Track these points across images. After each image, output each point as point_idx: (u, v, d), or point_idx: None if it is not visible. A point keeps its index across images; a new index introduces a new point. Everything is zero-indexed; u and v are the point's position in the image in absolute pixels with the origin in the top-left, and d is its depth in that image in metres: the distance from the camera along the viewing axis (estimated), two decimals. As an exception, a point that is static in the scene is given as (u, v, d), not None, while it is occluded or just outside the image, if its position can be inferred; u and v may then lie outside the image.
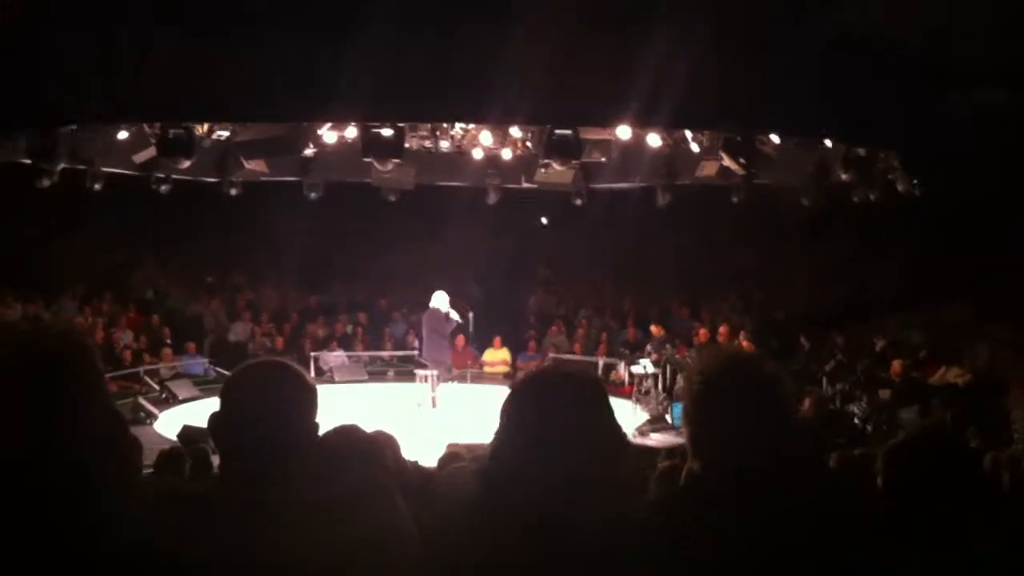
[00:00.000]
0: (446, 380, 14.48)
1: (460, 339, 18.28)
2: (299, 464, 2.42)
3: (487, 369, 17.93)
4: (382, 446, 3.41)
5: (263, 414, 2.20)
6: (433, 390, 14.14)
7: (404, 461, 4.36)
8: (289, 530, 2.09)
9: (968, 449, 3.49)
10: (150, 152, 11.86)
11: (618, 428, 2.24)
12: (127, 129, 12.14)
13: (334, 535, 2.14)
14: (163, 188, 13.73)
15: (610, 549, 2.06)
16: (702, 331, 16.51)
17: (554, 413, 2.15)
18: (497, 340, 17.98)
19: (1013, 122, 10.43)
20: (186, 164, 11.46)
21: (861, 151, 11.70)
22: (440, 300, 14.60)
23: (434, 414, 13.77)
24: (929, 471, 2.73)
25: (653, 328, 15.97)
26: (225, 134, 12.54)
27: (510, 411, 2.21)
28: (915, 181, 11.64)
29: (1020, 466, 2.85)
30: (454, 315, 14.63)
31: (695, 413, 2.33)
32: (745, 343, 15.20)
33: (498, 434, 2.21)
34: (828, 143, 11.79)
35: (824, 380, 13.92)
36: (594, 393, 2.22)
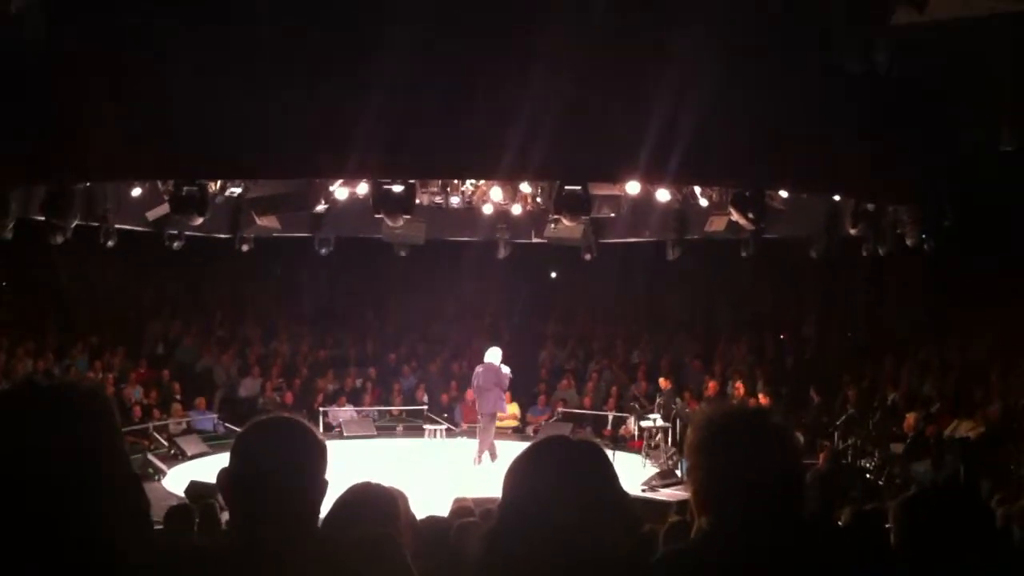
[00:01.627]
0: (489, 436, 14.55)
1: (470, 393, 18.24)
2: (308, 520, 2.43)
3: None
4: (396, 502, 3.41)
5: (273, 470, 2.21)
6: (485, 444, 14.39)
7: (414, 516, 4.35)
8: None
9: (981, 503, 3.47)
10: (163, 209, 11.97)
11: (621, 491, 2.24)
12: (140, 186, 12.27)
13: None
14: (176, 245, 13.84)
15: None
16: (712, 384, 16.46)
17: (557, 480, 2.16)
18: (507, 394, 17.95)
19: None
20: (199, 221, 11.55)
21: (870, 206, 11.74)
22: (494, 355, 14.92)
23: (443, 469, 13.71)
24: (942, 525, 2.71)
25: (662, 381, 15.93)
26: (237, 190, 12.65)
27: (514, 478, 2.22)
28: (924, 236, 11.65)
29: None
30: (506, 369, 14.92)
31: (699, 467, 2.33)
32: (763, 397, 15.14)
33: (503, 500, 2.21)
34: (837, 197, 11.85)
35: (836, 434, 13.82)
36: (596, 459, 2.23)
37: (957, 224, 11.52)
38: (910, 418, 13.09)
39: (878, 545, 3.73)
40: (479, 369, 15.00)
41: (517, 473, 2.21)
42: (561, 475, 2.17)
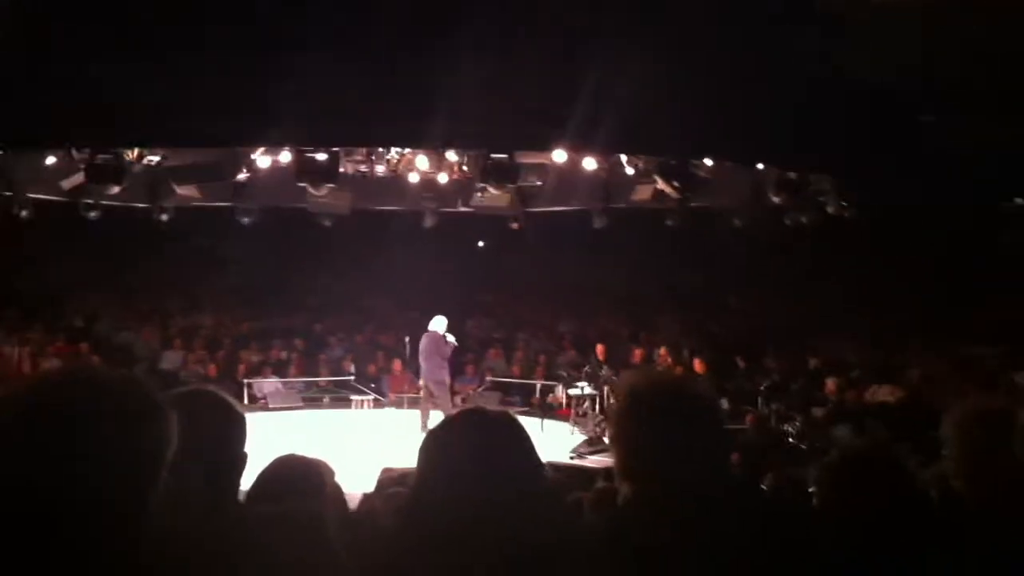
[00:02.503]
0: (445, 403, 14.41)
1: (397, 364, 18.17)
2: (227, 495, 2.37)
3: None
4: (321, 474, 3.35)
5: (188, 444, 2.13)
6: (426, 415, 14.23)
7: (340, 489, 4.29)
8: (212, 554, 2.03)
9: (901, 466, 3.53)
10: (79, 178, 11.63)
11: (537, 463, 2.24)
12: (55, 154, 11.89)
13: (258, 559, 2.09)
14: (92, 215, 13.47)
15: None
16: (638, 352, 16.59)
17: (471, 452, 2.15)
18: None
19: (950, 141, 10.67)
20: (116, 190, 11.25)
21: (793, 174, 11.88)
22: (439, 324, 14.74)
23: (371, 439, 13.63)
24: (863, 488, 2.74)
25: (598, 348, 16.04)
26: (156, 159, 12.33)
27: (428, 452, 2.20)
28: (844, 203, 11.85)
29: (947, 483, 2.88)
30: (451, 338, 14.80)
31: (622, 435, 2.32)
32: (698, 364, 15.30)
33: (418, 473, 2.20)
34: (761, 166, 11.98)
35: (760, 400, 14.05)
36: (511, 431, 2.22)
37: (877, 196, 11.73)
38: (831, 383, 13.35)
39: (801, 509, 3.78)
40: (424, 337, 14.86)
41: (431, 446, 2.19)
42: (475, 447, 2.16)
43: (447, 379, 14.73)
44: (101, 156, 10.31)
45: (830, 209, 12.00)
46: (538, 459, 2.22)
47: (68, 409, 1.69)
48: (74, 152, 11.44)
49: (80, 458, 1.64)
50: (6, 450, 1.65)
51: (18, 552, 1.58)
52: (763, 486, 5.86)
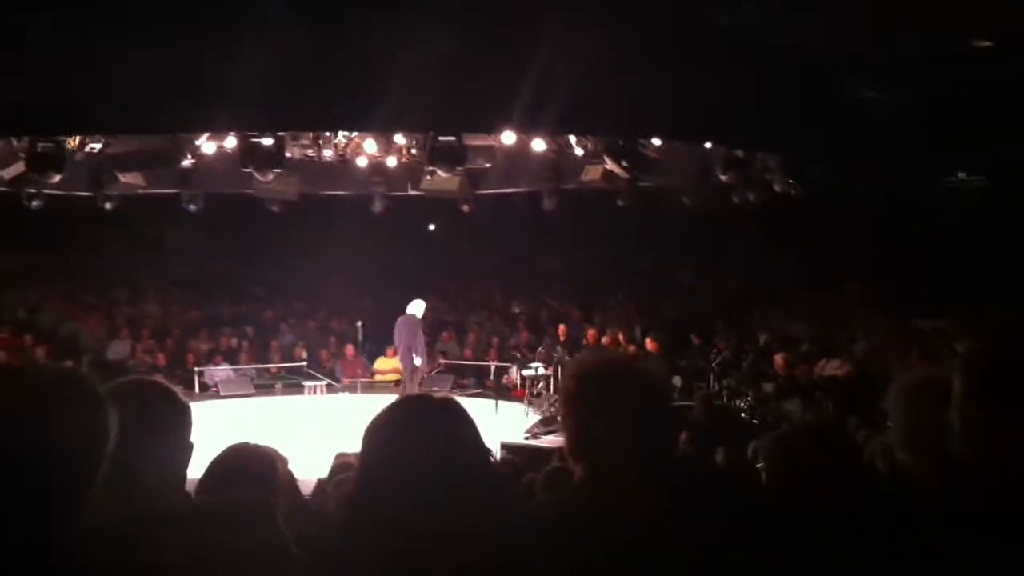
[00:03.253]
0: (410, 388, 14.34)
1: (350, 349, 18.10)
2: (173, 486, 2.34)
3: (379, 378, 17.77)
4: (273, 463, 3.33)
5: (129, 436, 2.10)
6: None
7: (292, 476, 4.27)
8: (158, 545, 2.01)
9: (847, 438, 3.58)
10: (19, 167, 11.40)
11: (482, 448, 2.23)
12: (-8, 143, 11.66)
13: (205, 549, 2.07)
14: (35, 204, 13.23)
15: (491, 561, 2.04)
16: (591, 332, 16.67)
17: (413, 439, 2.14)
18: (390, 350, 17.83)
19: (892, 117, 10.78)
20: (57, 179, 11.05)
21: (739, 153, 11.98)
22: (415, 307, 14.70)
23: (325, 425, 13.57)
24: (810, 461, 2.77)
25: (561, 328, 16.11)
26: (98, 147, 12.12)
27: (372, 439, 2.19)
28: (791, 181, 11.97)
29: (892, 453, 2.93)
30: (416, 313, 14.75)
31: (571, 415, 2.33)
32: (650, 343, 15.39)
33: (361, 460, 2.19)
34: (708, 145, 12.05)
35: (711, 376, 14.19)
36: (454, 416, 2.22)
37: (825, 174, 11.87)
38: (779, 359, 13.51)
39: (751, 483, 3.82)
40: (398, 321, 14.83)
41: (374, 433, 2.18)
42: (418, 434, 2.15)
43: (416, 364, 14.66)
44: (41, 144, 10.12)
45: (776, 187, 12.12)
46: (483, 443, 2.22)
47: (8, 397, 1.69)
48: (13, 141, 11.22)
49: (17, 452, 1.62)
50: None
51: None
52: (714, 462, 5.93)
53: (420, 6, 8.71)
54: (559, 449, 10.65)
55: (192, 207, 14.28)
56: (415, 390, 14.04)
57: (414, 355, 14.48)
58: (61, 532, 1.68)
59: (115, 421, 1.80)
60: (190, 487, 2.66)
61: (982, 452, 2.07)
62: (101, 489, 1.81)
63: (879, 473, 3.03)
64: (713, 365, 14.45)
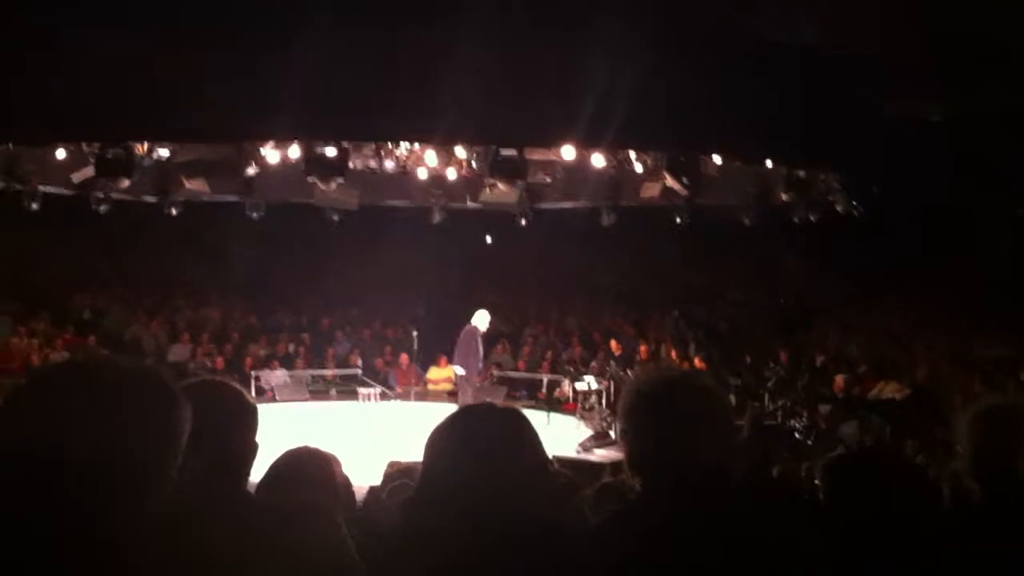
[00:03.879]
0: (463, 398, 14.46)
1: (404, 357, 18.20)
2: (237, 483, 2.39)
3: (431, 387, 17.84)
4: (332, 466, 3.38)
5: (201, 432, 2.16)
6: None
7: (348, 480, 4.32)
8: (221, 540, 2.06)
9: (907, 462, 3.53)
10: (88, 171, 11.66)
11: (544, 459, 2.25)
12: (65, 148, 11.93)
13: (268, 549, 2.12)
14: (102, 208, 13.51)
15: (550, 571, 2.06)
16: (643, 348, 16.61)
17: (477, 448, 2.16)
18: (442, 359, 17.90)
19: (952, 136, 10.66)
20: (125, 184, 11.28)
21: (802, 172, 11.88)
22: (478, 319, 14.77)
23: (378, 432, 13.67)
24: (868, 484, 2.75)
25: (613, 343, 16.04)
26: (165, 153, 12.36)
27: (434, 447, 2.21)
28: (855, 203, 11.84)
29: (960, 480, 2.89)
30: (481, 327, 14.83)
31: (631, 429, 2.34)
32: (697, 361, 15.31)
33: (424, 468, 2.21)
34: (769, 164, 11.97)
35: (766, 396, 14.06)
36: (518, 426, 2.23)
37: (886, 194, 11.72)
38: (839, 380, 13.34)
39: (806, 506, 3.79)
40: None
41: (437, 441, 2.20)
42: (481, 443, 2.17)
43: (470, 374, 14.73)
44: (111, 150, 10.34)
45: (839, 207, 11.99)
46: (544, 454, 2.24)
47: (82, 392, 1.72)
48: (84, 145, 11.48)
49: (97, 439, 1.67)
50: (27, 428, 1.68)
51: (31, 532, 1.61)
52: (771, 480, 5.88)
53: (484, 19, 8.78)
54: (611, 463, 10.64)
55: (254, 215, 14.49)
56: (467, 401, 14.10)
57: (459, 366, 14.59)
58: (134, 523, 1.72)
59: (189, 417, 1.84)
60: (252, 486, 2.71)
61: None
62: (173, 482, 1.87)
63: (945, 499, 3.00)
64: (768, 384, 14.31)
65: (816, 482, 3.14)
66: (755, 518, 2.29)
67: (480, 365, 15.16)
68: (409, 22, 9.06)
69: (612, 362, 14.99)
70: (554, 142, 11.16)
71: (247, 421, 2.41)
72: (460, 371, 14.64)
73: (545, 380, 17.26)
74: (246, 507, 2.35)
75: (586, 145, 11.56)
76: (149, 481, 1.75)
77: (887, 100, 10.68)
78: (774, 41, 9.38)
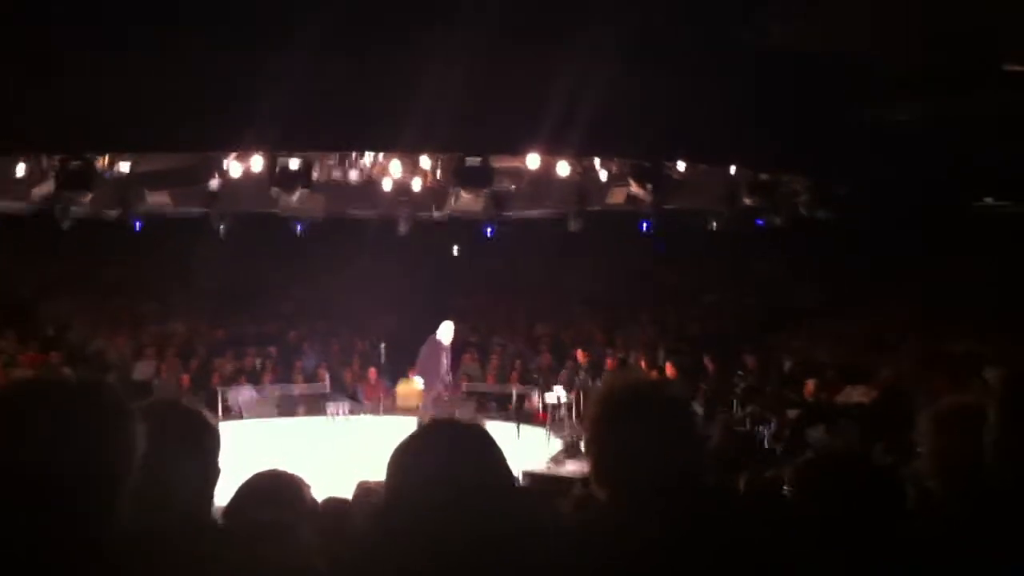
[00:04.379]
0: (423, 412, 14.39)
1: (372, 372, 18.10)
2: (200, 509, 2.34)
3: (400, 402, 17.73)
4: (301, 488, 3.34)
5: (158, 457, 2.11)
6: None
7: (315, 502, 4.27)
8: (180, 569, 2.02)
9: (874, 466, 3.54)
10: (49, 186, 11.51)
11: (508, 475, 2.22)
12: (25, 162, 11.78)
13: (229, 568, 2.08)
14: (66, 224, 13.33)
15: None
16: (611, 357, 16.61)
17: (439, 463, 2.13)
18: (411, 371, 17.84)
19: (918, 139, 10.75)
20: (87, 198, 11.15)
21: (765, 176, 11.96)
22: (442, 331, 14.74)
23: (347, 449, 13.57)
24: (839, 488, 2.75)
25: (578, 353, 16.04)
26: (127, 166, 12.23)
27: (398, 463, 2.18)
28: (817, 205, 11.92)
29: (921, 480, 2.90)
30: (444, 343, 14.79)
31: (596, 440, 2.32)
32: (669, 368, 15.31)
33: (388, 484, 2.18)
34: (733, 169, 12.04)
35: (735, 402, 14.09)
36: (480, 442, 2.21)
37: (852, 197, 11.81)
38: (810, 384, 13.37)
39: (775, 511, 3.79)
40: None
41: (401, 457, 2.18)
42: (444, 458, 2.14)
43: (431, 386, 14.69)
44: (72, 163, 10.22)
45: (803, 210, 12.08)
46: (509, 470, 2.21)
47: (34, 412, 1.71)
48: (43, 159, 11.33)
49: (45, 460, 1.65)
50: None
51: None
52: (738, 488, 5.88)
53: (446, 29, 8.77)
54: (582, 477, 10.61)
55: (219, 227, 14.39)
56: (428, 414, 14.11)
57: (419, 376, 14.61)
58: (88, 539, 1.69)
59: (143, 434, 1.81)
60: (216, 511, 2.66)
61: (1017, 479, 2.05)
62: (129, 508, 1.83)
63: (909, 500, 3.00)
64: (736, 390, 14.35)
65: (784, 488, 3.14)
66: (723, 523, 2.28)
67: (448, 378, 15.11)
68: (375, 32, 9.03)
69: (581, 372, 14.98)
70: (519, 150, 11.17)
71: (208, 444, 2.37)
72: (420, 383, 14.60)
73: (514, 391, 17.22)
74: (207, 531, 2.30)
75: (551, 153, 11.59)
76: (103, 502, 1.72)
77: (855, 101, 10.76)
78: (738, 44, 9.42)
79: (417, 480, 2.12)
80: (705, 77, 9.74)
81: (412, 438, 2.23)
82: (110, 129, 9.33)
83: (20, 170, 11.89)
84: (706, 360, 15.69)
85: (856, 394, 13.40)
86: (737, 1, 9.20)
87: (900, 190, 12.84)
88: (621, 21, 9.06)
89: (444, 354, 14.71)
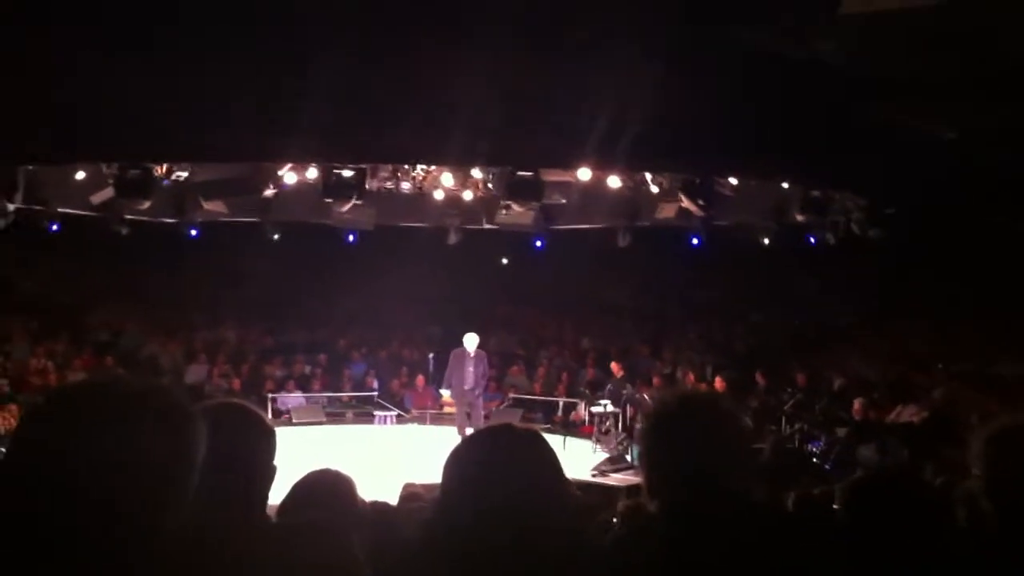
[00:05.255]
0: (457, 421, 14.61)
1: (420, 379, 18.19)
2: (256, 505, 2.39)
3: (447, 410, 17.81)
4: (353, 488, 3.39)
5: (218, 455, 2.16)
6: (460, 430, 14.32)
7: (364, 502, 4.33)
8: (235, 566, 2.06)
9: (926, 485, 3.51)
10: (108, 193, 11.74)
11: (563, 480, 2.23)
12: (84, 169, 12.03)
13: (282, 571, 2.12)
14: (123, 230, 13.60)
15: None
16: (656, 375, 16.54)
17: (495, 467, 2.14)
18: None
19: (970, 154, 10.61)
20: (144, 205, 11.35)
21: (817, 193, 11.86)
22: (466, 341, 14.87)
23: (394, 455, 13.65)
24: (888, 508, 2.73)
25: (613, 366, 15.98)
26: (184, 174, 12.44)
27: (454, 466, 2.20)
28: (874, 227, 11.80)
29: (976, 501, 2.87)
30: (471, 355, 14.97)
31: (649, 452, 2.34)
32: (719, 382, 15.23)
33: (443, 487, 2.19)
34: (786, 184, 11.96)
35: (784, 419, 13.97)
36: (537, 447, 2.22)
37: (903, 215, 11.68)
38: (858, 403, 13.24)
39: (825, 529, 3.77)
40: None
41: (457, 461, 2.20)
42: (500, 463, 2.15)
43: (460, 395, 14.80)
44: (130, 171, 10.41)
45: (855, 228, 11.96)
46: (564, 476, 2.23)
47: (96, 412, 1.73)
48: (103, 167, 11.56)
49: (112, 458, 1.67)
50: (43, 447, 1.68)
51: (43, 550, 1.61)
52: (786, 505, 5.84)
53: (500, 42, 8.81)
54: (627, 487, 10.59)
55: (273, 236, 14.58)
56: (457, 424, 14.27)
57: (446, 389, 14.75)
58: (148, 538, 1.72)
59: (203, 436, 1.85)
60: (270, 510, 2.71)
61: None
62: (189, 502, 1.87)
63: (960, 522, 2.98)
64: (786, 407, 14.23)
65: (835, 505, 3.12)
66: (773, 540, 2.28)
67: (479, 390, 15.14)
68: (427, 44, 9.10)
69: (627, 385, 14.93)
70: (570, 164, 11.19)
71: (265, 444, 2.41)
72: (445, 394, 14.70)
73: (561, 403, 17.22)
74: (262, 530, 2.35)
75: (601, 167, 11.59)
76: (165, 501, 1.76)
77: (906, 118, 10.63)
78: (790, 60, 9.36)
79: (471, 484, 2.14)
80: (756, 92, 9.69)
81: (467, 442, 2.25)
82: (168, 138, 9.49)
83: (80, 176, 12.15)
84: (758, 376, 15.58)
85: (906, 413, 13.24)
86: (788, 17, 9.14)
87: (951, 208, 12.68)
88: (673, 34, 9.04)
89: (469, 364, 14.76)
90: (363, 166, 10.99)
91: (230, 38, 8.90)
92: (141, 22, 8.88)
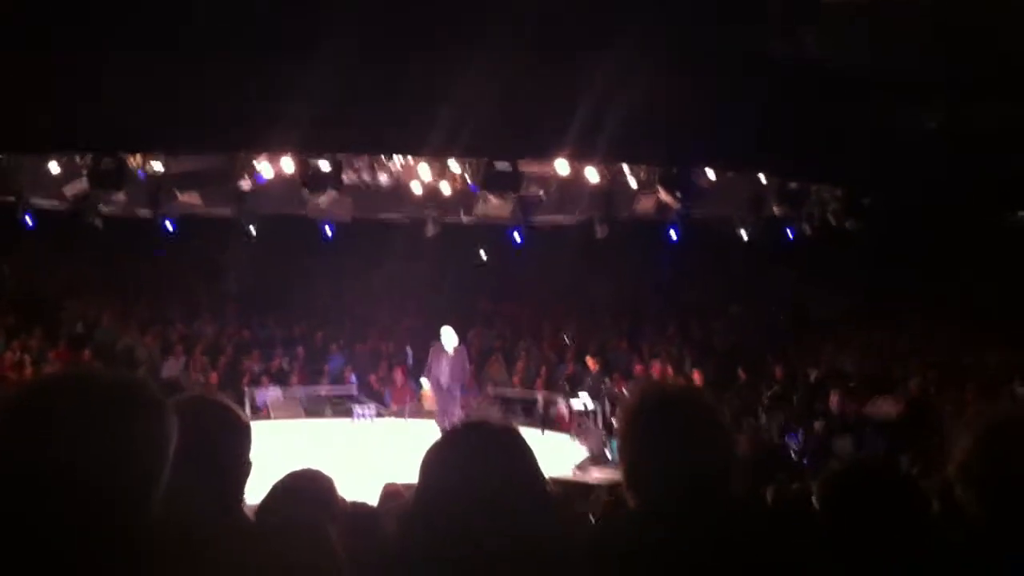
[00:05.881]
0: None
1: (399, 375, 18.13)
2: (230, 502, 2.37)
3: (426, 405, 17.74)
4: (333, 487, 3.37)
5: (191, 450, 2.13)
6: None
7: (344, 500, 4.30)
8: (211, 564, 2.04)
9: (902, 477, 3.52)
10: (81, 184, 11.63)
11: (540, 476, 2.22)
12: (58, 160, 11.90)
13: (256, 564, 2.09)
14: (97, 222, 13.46)
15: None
16: (638, 365, 16.57)
17: (472, 464, 2.13)
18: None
19: (949, 145, 10.67)
20: (119, 196, 11.24)
21: (794, 184, 11.89)
22: (445, 336, 14.65)
23: (373, 451, 13.61)
24: (865, 500, 2.74)
25: (589, 360, 15.98)
26: (159, 166, 12.33)
27: (431, 463, 2.18)
28: (850, 217, 11.84)
29: (950, 492, 2.88)
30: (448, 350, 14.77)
31: (628, 447, 2.32)
32: (696, 376, 15.26)
33: (419, 484, 2.18)
34: (762, 176, 11.98)
35: (761, 411, 14.02)
36: (512, 443, 2.20)
37: (880, 206, 11.73)
38: (835, 396, 13.28)
39: (803, 522, 3.77)
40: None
41: (433, 458, 2.18)
42: (476, 459, 2.14)
43: (438, 390, 14.74)
44: (104, 161, 10.31)
45: (832, 220, 12.00)
46: (540, 473, 2.21)
47: (69, 405, 1.71)
48: (77, 158, 11.45)
49: (80, 453, 1.66)
50: (14, 440, 1.67)
51: (18, 547, 1.59)
52: (765, 499, 5.86)
53: (477, 34, 8.79)
54: (608, 485, 10.59)
55: (249, 228, 14.48)
56: (443, 418, 14.20)
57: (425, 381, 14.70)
58: (121, 533, 1.70)
59: (175, 427, 1.82)
60: (249, 510, 2.68)
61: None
62: (162, 501, 1.84)
63: (934, 513, 2.99)
64: (763, 400, 14.28)
65: (812, 499, 3.12)
66: (752, 534, 2.27)
67: (456, 384, 15.05)
68: (407, 38, 9.07)
69: (606, 379, 14.94)
70: (548, 155, 11.17)
71: (239, 439, 2.39)
72: (425, 385, 14.67)
73: (540, 397, 17.20)
74: (241, 528, 2.32)
75: (579, 158, 11.57)
76: (138, 495, 1.74)
77: (883, 110, 10.68)
78: (767, 53, 9.39)
79: (448, 480, 2.12)
80: (734, 84, 9.71)
81: (444, 439, 2.24)
82: (143, 129, 9.41)
83: (54, 168, 12.03)
84: (739, 370, 15.63)
85: (884, 405, 13.30)
86: (767, 11, 9.16)
87: (929, 200, 12.75)
88: (651, 29, 9.05)
89: (446, 360, 14.59)
90: (339, 158, 10.93)
91: (209, 29, 8.84)
92: (117, 13, 8.81)
